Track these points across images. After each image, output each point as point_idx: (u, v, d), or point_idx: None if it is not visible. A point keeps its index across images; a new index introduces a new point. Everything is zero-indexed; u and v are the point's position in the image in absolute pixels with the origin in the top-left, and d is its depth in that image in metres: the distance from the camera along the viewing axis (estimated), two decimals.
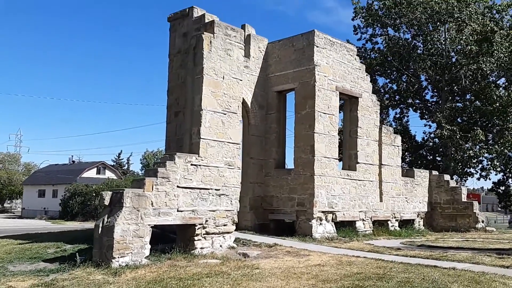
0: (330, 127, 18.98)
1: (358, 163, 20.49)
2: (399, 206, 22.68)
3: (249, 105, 19.23)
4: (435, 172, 26.02)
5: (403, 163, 29.60)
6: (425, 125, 36.80)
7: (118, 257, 11.26)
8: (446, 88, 33.71)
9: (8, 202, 75.38)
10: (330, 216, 18.59)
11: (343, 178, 19.49)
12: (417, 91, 36.27)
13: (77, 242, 14.70)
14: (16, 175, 67.71)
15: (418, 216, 24.19)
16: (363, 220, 20.29)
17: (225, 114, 14.63)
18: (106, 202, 11.93)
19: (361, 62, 22.04)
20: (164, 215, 12.53)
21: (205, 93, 14.12)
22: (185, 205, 13.08)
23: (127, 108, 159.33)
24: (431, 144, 36.02)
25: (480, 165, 33.26)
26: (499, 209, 76.05)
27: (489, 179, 34.50)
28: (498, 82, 34.17)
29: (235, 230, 15.06)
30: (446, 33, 33.49)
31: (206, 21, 15.43)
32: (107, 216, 11.67)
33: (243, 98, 17.59)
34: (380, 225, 21.10)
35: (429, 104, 36.54)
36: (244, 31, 18.44)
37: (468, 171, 33.69)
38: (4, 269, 11.24)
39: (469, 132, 31.01)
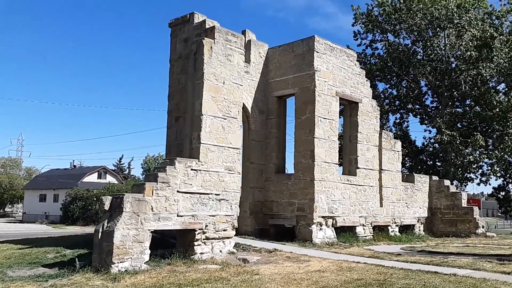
0: (330, 132, 19.00)
1: (358, 168, 20.49)
2: (399, 211, 22.66)
3: (250, 110, 19.26)
4: (435, 177, 26.01)
5: (403, 168, 29.60)
6: (425, 130, 37.04)
7: (118, 262, 11.25)
8: (446, 94, 33.74)
9: (9, 206, 75.27)
10: (330, 221, 18.58)
11: (343, 183, 19.49)
12: (417, 96, 36.30)
13: (77, 247, 14.68)
14: (17, 180, 67.68)
15: (418, 221, 24.16)
16: (363, 225, 20.27)
17: (225, 119, 14.66)
18: (106, 207, 11.92)
19: (361, 68, 22.10)
20: (164, 220, 12.53)
21: (205, 98, 14.16)
22: (185, 210, 13.08)
23: (129, 112, 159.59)
24: (431, 149, 36.00)
25: (480, 171, 33.22)
26: (499, 214, 75.92)
27: (489, 184, 34.43)
28: (498, 87, 34.21)
29: (235, 235, 15.05)
30: (446, 39, 33.56)
31: (207, 26, 15.49)
32: (107, 221, 11.67)
33: (243, 103, 17.62)
34: (380, 230, 21.08)
35: (429, 110, 36.55)
36: (245, 37, 18.51)
37: (468, 176, 33.64)
38: (3, 275, 11.22)
39: (469, 137, 31.01)
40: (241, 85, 15.68)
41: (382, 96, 36.34)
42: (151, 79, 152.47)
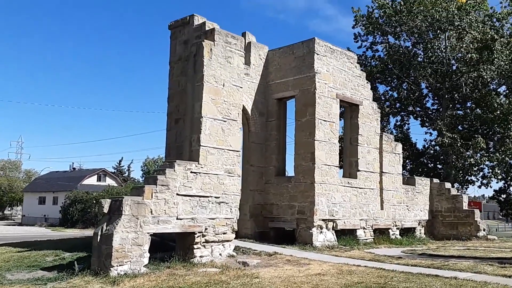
0: (330, 135, 18.93)
1: (358, 170, 20.42)
2: (400, 214, 22.58)
3: (250, 112, 19.20)
4: (436, 180, 25.94)
5: (404, 171, 29.50)
6: (426, 133, 36.85)
7: (117, 266, 11.17)
8: (446, 96, 33.69)
9: (9, 209, 75.22)
10: (330, 224, 18.49)
11: (344, 186, 19.41)
12: (418, 98, 36.24)
13: (76, 250, 14.61)
14: (17, 182, 67.63)
15: (419, 224, 24.07)
16: (363, 228, 20.18)
17: (225, 121, 14.60)
18: (105, 210, 11.86)
19: (361, 70, 22.05)
20: (164, 223, 12.46)
21: (205, 100, 14.10)
22: (184, 213, 13.01)
23: (128, 115, 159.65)
24: (432, 151, 35.91)
25: (481, 173, 33.15)
26: (500, 217, 75.78)
27: (490, 187, 34.25)
28: (498, 90, 34.12)
29: (235, 238, 14.98)
30: (447, 41, 33.51)
31: (207, 29, 15.45)
32: (106, 224, 11.60)
33: (243, 105, 17.57)
34: (381, 234, 20.99)
35: (429, 112, 36.50)
36: (245, 39, 18.46)
37: (469, 179, 33.55)
38: (2, 278, 11.17)
39: (470, 140, 30.93)
40: (241, 87, 15.62)
41: (383, 98, 36.28)
42: (151, 81, 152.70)
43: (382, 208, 21.45)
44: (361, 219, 20.10)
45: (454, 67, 33.79)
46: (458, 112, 34.42)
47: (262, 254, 14.67)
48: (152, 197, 12.21)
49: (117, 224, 11.34)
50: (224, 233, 14.08)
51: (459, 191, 28.14)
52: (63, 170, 63.62)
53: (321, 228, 18.02)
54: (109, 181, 55.54)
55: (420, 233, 23.83)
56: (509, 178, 33.90)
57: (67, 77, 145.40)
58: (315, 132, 18.26)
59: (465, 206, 24.64)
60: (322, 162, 18.35)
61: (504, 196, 35.69)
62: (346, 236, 19.15)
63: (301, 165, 18.50)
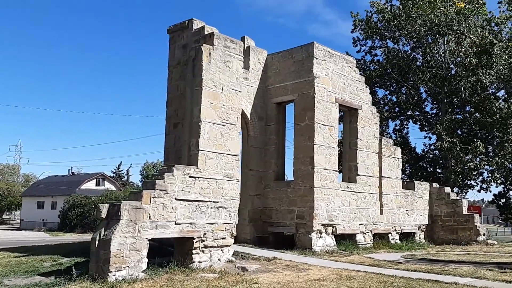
0: (329, 139, 18.89)
1: (358, 175, 20.37)
2: (399, 219, 22.51)
3: (249, 117, 19.16)
4: (435, 185, 25.89)
5: (403, 175, 29.46)
6: (425, 137, 36.95)
7: (115, 271, 11.10)
8: (445, 100, 33.70)
9: (7, 213, 74.99)
10: (330, 229, 18.42)
11: (343, 190, 19.35)
12: (417, 103, 36.27)
13: (74, 255, 14.54)
14: (15, 187, 67.43)
15: (418, 229, 24.00)
16: (363, 233, 20.11)
17: (224, 125, 14.55)
18: (103, 214, 11.79)
19: (360, 74, 22.04)
20: (162, 228, 12.38)
21: (204, 105, 14.06)
22: (183, 217, 12.94)
23: (127, 119, 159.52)
24: (431, 156, 35.91)
25: (481, 177, 33.14)
26: (500, 221, 75.73)
27: (490, 191, 34.31)
28: (497, 94, 34.20)
29: (234, 243, 14.89)
30: (445, 45, 33.58)
31: (206, 33, 15.42)
32: (104, 229, 11.53)
33: (242, 110, 17.53)
34: (380, 238, 20.92)
35: (428, 116, 36.51)
36: (244, 43, 18.47)
37: (468, 183, 33.54)
38: None
39: (469, 144, 30.93)
40: (240, 92, 15.59)
41: (382, 102, 36.31)
42: (150, 86, 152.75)
43: (381, 213, 21.38)
44: (361, 224, 20.03)
45: (453, 72, 33.84)
46: (457, 116, 34.44)
47: (261, 259, 14.59)
48: (150, 202, 12.15)
49: (115, 229, 11.28)
50: (223, 238, 14.00)
51: (459, 196, 28.05)
52: (62, 174, 63.51)
53: (321, 232, 17.95)
54: (108, 186, 55.44)
55: (419, 238, 23.76)
56: (509, 182, 33.89)
57: (66, 81, 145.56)
58: (314, 136, 18.22)
59: (464, 210, 24.59)
60: (321, 166, 18.30)
61: (503, 200, 35.68)
62: (345, 240, 19.07)
63: (300, 170, 18.45)
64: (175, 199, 12.78)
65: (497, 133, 31.96)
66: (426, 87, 34.61)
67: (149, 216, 12.07)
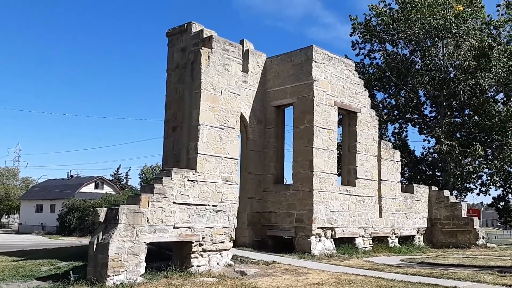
0: (328, 142, 18.86)
1: (357, 178, 20.34)
2: (398, 222, 22.46)
3: (248, 120, 19.13)
4: (434, 188, 25.86)
5: (402, 179, 29.44)
6: (424, 140, 36.69)
7: (113, 275, 11.03)
8: (444, 103, 33.72)
9: (6, 217, 74.76)
10: (329, 233, 18.37)
11: (342, 193, 19.31)
12: (416, 106, 36.28)
13: (72, 259, 14.45)
14: (14, 190, 67.26)
15: (418, 232, 23.96)
16: (362, 236, 20.06)
17: (223, 129, 14.52)
18: (101, 218, 11.73)
19: (359, 77, 22.04)
20: (160, 232, 12.33)
21: (202, 108, 14.02)
22: (181, 221, 12.88)
23: (126, 122, 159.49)
24: (430, 159, 35.88)
25: (480, 181, 33.12)
26: (499, 224, 75.66)
27: (489, 194, 34.16)
28: (496, 97, 34.20)
29: (233, 247, 14.83)
30: (444, 48, 33.62)
31: (204, 36, 15.40)
32: (102, 233, 11.47)
33: (241, 113, 17.49)
34: (379, 242, 20.86)
35: (427, 119, 36.52)
36: (243, 46, 18.45)
37: (467, 186, 33.48)
38: None
39: (468, 147, 30.92)
40: (239, 95, 15.56)
41: (381, 105, 36.32)
42: (149, 89, 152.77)
43: (380, 216, 21.34)
44: (360, 227, 19.98)
45: (452, 75, 33.87)
46: (456, 119, 34.45)
47: (260, 263, 14.53)
48: (148, 206, 12.09)
49: (113, 233, 11.22)
50: (221, 242, 13.94)
51: (458, 199, 28.06)
52: (61, 177, 63.39)
53: (320, 236, 17.90)
54: (106, 189, 55.29)
55: (419, 241, 23.71)
56: (508, 185, 33.88)
57: (64, 85, 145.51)
58: (313, 139, 18.19)
59: (464, 214, 24.56)
60: (320, 169, 18.26)
61: (502, 203, 35.64)
62: (344, 244, 19.02)
63: (299, 173, 18.41)
64: (174, 202, 12.72)
65: (496, 136, 31.97)
66: (425, 90, 34.63)
67: (147, 220, 12.01)
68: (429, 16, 31.34)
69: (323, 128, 18.66)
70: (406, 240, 22.90)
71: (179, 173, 13.06)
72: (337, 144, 20.54)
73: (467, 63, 31.18)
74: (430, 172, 35.94)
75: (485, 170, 31.65)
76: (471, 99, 33.18)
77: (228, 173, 14.45)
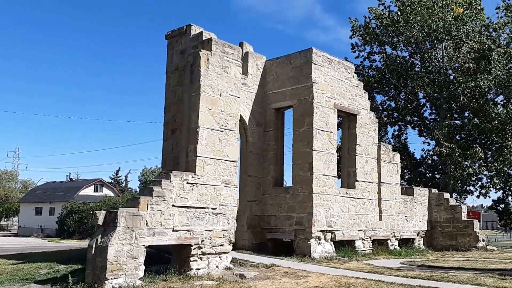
0: (328, 145, 18.83)
1: (357, 181, 20.29)
2: (398, 225, 22.41)
3: (247, 122, 19.10)
4: (434, 190, 25.81)
5: (402, 181, 29.40)
6: (424, 143, 36.71)
7: (112, 279, 10.98)
8: (444, 106, 33.71)
9: (5, 220, 74.70)
10: (329, 235, 18.32)
11: (342, 196, 19.26)
12: (415, 108, 36.27)
13: (71, 262, 14.41)
14: (13, 193, 67.23)
15: (418, 235, 23.90)
16: (362, 239, 20.00)
17: (222, 131, 14.48)
18: (100, 221, 11.70)
19: (359, 80, 22.01)
20: (159, 235, 12.28)
21: (202, 111, 13.99)
22: (180, 224, 12.84)
23: (126, 125, 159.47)
24: (430, 161, 35.85)
25: (480, 183, 33.05)
26: (499, 226, 75.59)
27: (489, 196, 34.11)
28: (496, 99, 34.18)
29: (232, 249, 14.79)
30: (444, 51, 33.63)
31: (204, 38, 15.39)
32: (100, 236, 11.42)
33: (240, 115, 17.46)
34: (379, 244, 20.81)
35: (427, 122, 36.50)
36: (242, 49, 18.44)
37: (467, 189, 33.44)
38: None
39: (468, 149, 30.90)
40: (238, 97, 15.54)
41: (380, 108, 36.29)
42: (148, 91, 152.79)
43: (380, 219, 21.29)
44: (360, 230, 19.93)
45: (451, 77, 33.87)
46: (456, 122, 34.44)
47: (260, 266, 14.48)
48: (147, 209, 12.05)
49: (112, 236, 11.17)
50: (221, 245, 13.89)
51: (458, 201, 28.00)
52: (60, 180, 63.32)
53: (320, 239, 17.85)
54: (106, 192, 55.25)
55: (419, 244, 23.65)
56: (508, 187, 33.84)
57: (64, 88, 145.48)
58: (313, 142, 18.15)
59: (464, 216, 24.50)
60: (320, 172, 18.22)
61: (502, 205, 35.60)
62: (344, 247, 18.97)
63: (299, 175, 18.36)
64: (173, 205, 12.68)
65: (496, 139, 31.94)
66: (425, 93, 34.63)
67: (146, 223, 11.97)
68: (428, 18, 31.34)
69: (322, 130, 18.63)
70: (406, 242, 22.85)
71: (178, 176, 13.02)
72: (337, 146, 20.49)
73: (467, 65, 31.18)
74: (430, 174, 35.91)
75: (485, 172, 31.61)
76: (470, 101, 33.17)
77: (227, 175, 14.41)
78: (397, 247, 21.71)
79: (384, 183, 21.73)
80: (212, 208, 13.78)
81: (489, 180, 32.18)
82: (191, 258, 13.06)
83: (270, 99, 19.85)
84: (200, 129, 13.86)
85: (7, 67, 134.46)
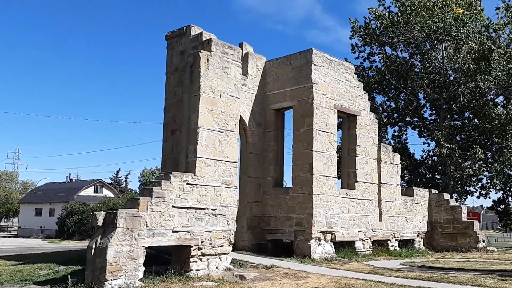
0: (328, 145, 18.81)
1: (357, 181, 20.27)
2: (398, 226, 22.39)
3: (247, 123, 19.08)
4: (434, 191, 25.79)
5: (402, 182, 29.39)
6: (424, 143, 36.76)
7: (111, 280, 10.96)
8: (444, 106, 33.71)
9: (5, 220, 74.68)
10: (329, 236, 18.29)
11: (342, 197, 19.24)
12: (416, 109, 36.27)
13: (71, 263, 14.37)
14: (13, 193, 67.19)
15: (418, 235, 23.87)
16: (362, 240, 19.98)
17: (222, 132, 14.47)
18: (100, 222, 11.68)
19: (359, 80, 22.00)
20: (159, 236, 12.25)
21: (201, 111, 13.98)
22: (180, 225, 12.81)
23: (126, 126, 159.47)
24: (430, 162, 35.85)
25: (480, 184, 33.04)
26: (499, 227, 75.53)
27: (489, 197, 34.10)
28: (496, 100, 34.19)
29: (232, 250, 14.77)
30: (444, 51, 33.63)
31: (204, 39, 15.37)
32: (100, 237, 11.40)
33: (240, 116, 17.45)
34: (379, 245, 20.79)
35: (427, 122, 36.49)
36: (242, 49, 18.43)
37: (467, 189, 33.45)
38: None
39: (468, 150, 30.88)
40: (238, 98, 15.52)
41: (380, 109, 36.30)
42: (148, 92, 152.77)
43: (380, 220, 21.27)
44: (360, 231, 19.91)
45: (451, 78, 33.88)
46: (456, 122, 34.43)
47: (260, 267, 14.46)
48: (147, 210, 12.03)
49: (111, 237, 11.15)
50: (221, 246, 13.87)
51: (458, 202, 27.98)
52: (60, 181, 63.27)
53: (320, 240, 17.83)
54: (106, 192, 55.20)
55: (419, 245, 23.63)
56: (508, 188, 33.83)
57: (64, 88, 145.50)
58: (313, 142, 18.14)
59: (464, 217, 24.48)
60: (320, 173, 18.20)
61: (502, 206, 35.60)
62: (344, 248, 18.95)
63: (299, 176, 18.34)
64: (173, 206, 12.66)
65: (496, 139, 31.93)
66: (425, 93, 34.62)
67: (146, 224, 11.95)
68: (428, 19, 31.34)
69: (322, 131, 18.61)
70: (406, 243, 22.83)
71: (178, 177, 13.00)
72: (337, 147, 20.48)
73: (467, 66, 31.19)
74: (430, 175, 35.90)
75: (485, 173, 31.60)
76: (470, 102, 33.17)
77: (227, 176, 14.39)
78: (397, 248, 21.69)
79: (384, 183, 21.72)
80: (212, 209, 13.76)
81: (489, 181, 32.17)
82: (191, 259, 13.04)
83: (270, 99, 19.83)
84: (200, 130, 13.85)
85: (7, 67, 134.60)
